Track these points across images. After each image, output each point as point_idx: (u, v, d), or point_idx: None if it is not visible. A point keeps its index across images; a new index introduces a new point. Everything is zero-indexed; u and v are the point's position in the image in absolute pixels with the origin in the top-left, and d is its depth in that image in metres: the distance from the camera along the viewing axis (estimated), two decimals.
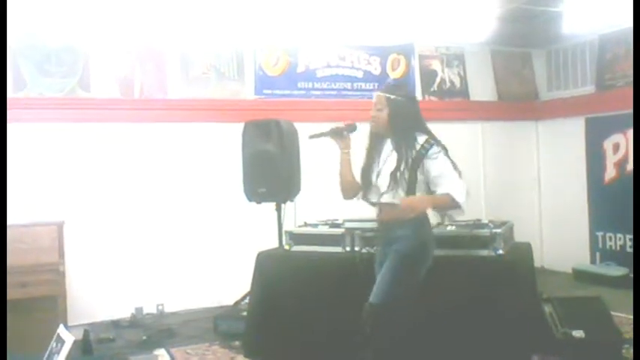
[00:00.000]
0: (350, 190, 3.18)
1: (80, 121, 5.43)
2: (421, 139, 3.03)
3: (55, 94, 5.37)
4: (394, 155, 3.01)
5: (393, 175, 2.97)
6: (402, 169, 2.96)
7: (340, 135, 3.18)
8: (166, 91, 5.81)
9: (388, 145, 3.07)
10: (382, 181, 3.02)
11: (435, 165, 2.98)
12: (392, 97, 3.03)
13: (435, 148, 3.00)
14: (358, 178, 3.18)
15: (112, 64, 5.60)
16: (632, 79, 6.29)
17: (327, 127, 6.44)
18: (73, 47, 5.45)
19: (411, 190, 2.98)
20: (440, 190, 2.98)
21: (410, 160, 2.96)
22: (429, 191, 3.03)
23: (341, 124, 3.17)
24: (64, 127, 5.38)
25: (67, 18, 5.33)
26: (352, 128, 3.21)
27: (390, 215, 3.02)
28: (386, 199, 3.01)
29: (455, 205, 3.01)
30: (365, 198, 3.13)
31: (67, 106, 5.37)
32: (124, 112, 5.58)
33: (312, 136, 3.28)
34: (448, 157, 3.04)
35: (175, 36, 5.83)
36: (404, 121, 3.03)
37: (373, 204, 3.08)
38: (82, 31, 5.47)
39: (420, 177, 2.99)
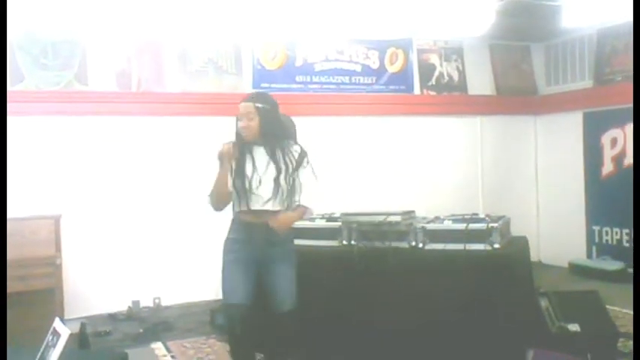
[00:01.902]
0: (225, 202, 3.17)
1: (77, 114, 5.42)
2: (296, 147, 3.17)
3: (52, 87, 5.36)
4: (272, 164, 3.09)
5: (276, 182, 3.06)
6: (283, 176, 3.07)
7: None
8: (164, 85, 5.80)
9: (262, 154, 3.11)
10: (263, 189, 3.07)
11: (304, 174, 3.14)
12: (260, 105, 3.09)
13: (307, 158, 3.17)
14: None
15: (109, 57, 5.59)
16: (630, 73, 6.30)
17: (325, 121, 6.50)
18: (71, 40, 5.44)
19: (289, 197, 3.11)
20: (301, 200, 3.13)
21: (290, 168, 3.09)
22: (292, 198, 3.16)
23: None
24: (61, 121, 5.38)
25: (64, 11, 5.31)
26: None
27: (274, 222, 3.06)
28: (269, 206, 3.08)
29: (309, 215, 3.21)
30: (245, 207, 3.10)
31: (65, 100, 5.36)
32: (122, 105, 5.57)
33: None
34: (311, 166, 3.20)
35: (173, 29, 5.81)
36: (275, 128, 3.12)
37: (254, 212, 3.08)
38: (80, 24, 5.46)
39: (296, 184, 3.12)
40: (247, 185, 3.06)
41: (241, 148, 3.11)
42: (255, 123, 3.07)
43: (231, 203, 3.18)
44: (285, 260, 3.17)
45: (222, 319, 4.71)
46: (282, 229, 3.06)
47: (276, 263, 3.14)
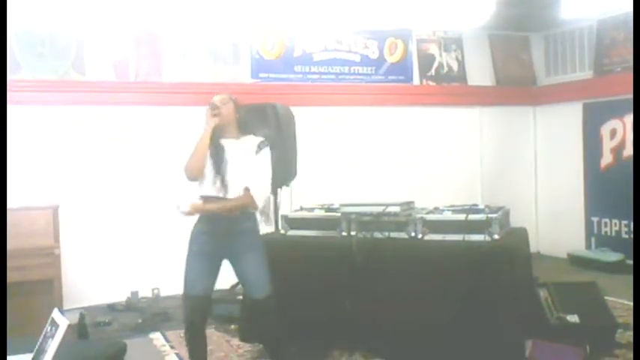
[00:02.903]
0: (199, 170, 3.17)
1: (75, 103, 5.40)
2: (258, 138, 3.24)
3: (49, 76, 5.33)
4: (240, 154, 3.16)
5: (238, 170, 3.13)
6: (245, 164, 3.14)
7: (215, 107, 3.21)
8: (162, 75, 5.77)
9: (227, 144, 3.20)
10: (230, 177, 3.13)
11: (259, 163, 3.18)
12: (233, 97, 3.29)
13: (266, 150, 3.21)
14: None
15: (107, 47, 5.56)
16: (630, 64, 6.29)
17: (324, 111, 6.49)
18: (68, 29, 5.41)
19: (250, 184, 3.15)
20: (251, 188, 3.14)
21: (251, 156, 3.17)
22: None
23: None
24: (58, 110, 5.36)
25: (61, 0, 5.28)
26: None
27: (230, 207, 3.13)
28: (230, 194, 3.13)
29: (253, 206, 3.20)
30: (208, 192, 3.17)
31: (62, 89, 5.34)
32: (119, 95, 5.55)
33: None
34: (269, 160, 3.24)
35: (171, 19, 5.78)
36: (245, 118, 3.29)
37: (216, 199, 3.13)
38: (77, 13, 5.42)
39: (255, 171, 3.17)
40: (218, 172, 3.14)
41: (213, 133, 3.19)
42: (230, 107, 3.22)
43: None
44: (254, 248, 3.21)
45: (221, 310, 4.73)
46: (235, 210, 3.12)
47: (244, 252, 3.19)
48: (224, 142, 3.20)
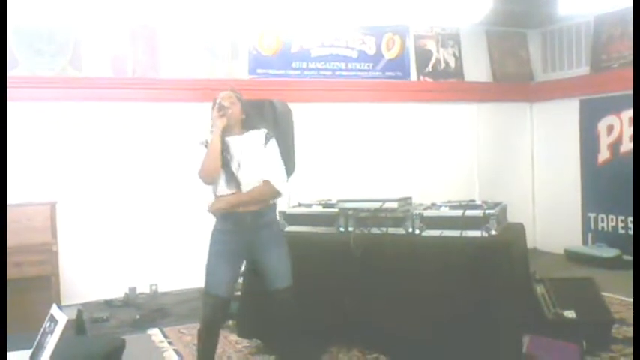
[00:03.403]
0: (216, 173, 3.19)
1: (72, 99, 5.39)
2: (262, 131, 3.26)
3: (46, 72, 5.32)
4: (248, 148, 3.19)
5: (247, 165, 3.17)
6: (254, 158, 3.18)
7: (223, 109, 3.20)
8: (159, 71, 5.76)
9: (238, 141, 3.22)
10: (242, 173, 3.16)
11: (270, 153, 3.21)
12: (240, 95, 3.30)
13: (273, 141, 3.24)
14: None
15: (104, 43, 5.54)
16: (627, 60, 6.30)
17: (321, 107, 6.48)
18: (65, 25, 5.39)
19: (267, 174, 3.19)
20: (262, 177, 3.18)
21: (260, 148, 3.20)
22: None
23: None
24: (56, 106, 5.34)
25: None
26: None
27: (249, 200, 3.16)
28: (244, 188, 3.17)
29: (276, 195, 3.24)
30: (226, 191, 3.20)
31: (59, 85, 5.32)
32: (117, 91, 5.53)
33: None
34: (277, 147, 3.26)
35: (169, 14, 5.76)
36: (252, 115, 3.33)
37: (228, 195, 3.18)
38: (74, 10, 5.40)
39: (265, 163, 3.20)
40: (228, 170, 3.16)
41: (222, 132, 3.20)
42: (236, 107, 3.24)
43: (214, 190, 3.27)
44: (275, 241, 3.27)
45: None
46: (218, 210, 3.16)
47: (266, 245, 3.23)
48: (229, 139, 3.20)
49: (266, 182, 3.17)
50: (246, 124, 3.30)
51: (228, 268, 3.23)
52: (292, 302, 3.23)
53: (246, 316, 4.05)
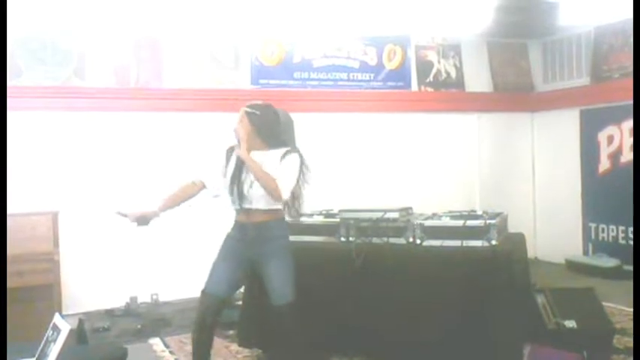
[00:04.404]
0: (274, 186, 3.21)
1: (76, 110, 5.41)
2: (285, 149, 3.26)
3: (50, 82, 5.35)
4: (265, 165, 3.18)
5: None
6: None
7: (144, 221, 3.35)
8: (162, 81, 5.80)
9: (256, 153, 3.23)
10: (254, 191, 3.18)
11: (285, 164, 3.21)
12: (249, 110, 3.27)
13: (293, 155, 3.24)
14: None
15: (107, 53, 5.58)
16: (627, 70, 6.32)
17: (323, 117, 6.49)
18: (69, 35, 5.43)
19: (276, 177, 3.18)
20: (277, 179, 3.17)
21: (275, 164, 3.19)
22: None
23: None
24: (59, 116, 5.37)
25: (63, 5, 5.30)
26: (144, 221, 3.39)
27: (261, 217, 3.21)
28: (260, 205, 3.21)
29: (275, 193, 3.16)
30: (238, 206, 3.25)
31: (63, 95, 5.35)
32: (120, 101, 5.57)
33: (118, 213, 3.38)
34: (300, 165, 3.26)
35: (172, 25, 5.80)
36: (266, 134, 3.27)
37: (246, 211, 3.22)
38: (78, 19, 5.44)
39: (282, 177, 3.18)
40: (239, 187, 3.20)
41: (232, 150, 3.28)
42: (244, 126, 3.24)
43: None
44: (280, 255, 3.27)
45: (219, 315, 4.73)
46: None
47: (270, 259, 3.24)
48: (252, 154, 3.21)
49: (274, 181, 3.16)
50: (272, 140, 3.27)
51: (227, 271, 3.28)
52: (292, 319, 3.23)
53: (247, 325, 4.06)
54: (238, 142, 3.24)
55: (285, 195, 3.19)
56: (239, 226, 3.28)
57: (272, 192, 3.15)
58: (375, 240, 3.81)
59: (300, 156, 3.27)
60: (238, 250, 3.28)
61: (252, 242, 3.23)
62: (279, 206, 3.26)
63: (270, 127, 3.28)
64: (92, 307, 5.29)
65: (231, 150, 3.34)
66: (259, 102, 3.43)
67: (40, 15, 5.30)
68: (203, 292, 3.32)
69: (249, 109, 3.28)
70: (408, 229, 3.79)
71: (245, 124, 3.25)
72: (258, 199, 3.19)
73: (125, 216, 3.31)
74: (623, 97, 5.99)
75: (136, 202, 5.55)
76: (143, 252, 5.59)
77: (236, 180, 3.22)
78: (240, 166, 3.23)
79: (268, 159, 3.22)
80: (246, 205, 3.21)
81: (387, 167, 6.66)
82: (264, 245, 3.24)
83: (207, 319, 3.26)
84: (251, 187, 3.18)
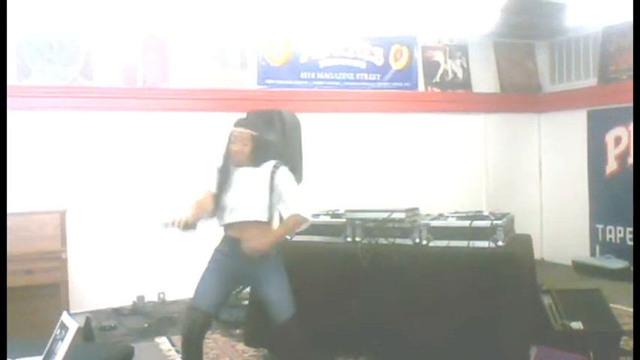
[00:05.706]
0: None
1: (83, 109, 5.44)
2: (270, 163, 3.26)
3: (58, 82, 5.37)
4: (253, 182, 3.21)
5: (255, 196, 3.21)
6: (262, 194, 3.20)
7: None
8: (169, 80, 5.81)
9: (244, 172, 3.24)
10: (245, 205, 3.20)
11: (284, 185, 3.23)
12: (255, 134, 3.26)
13: (282, 169, 3.25)
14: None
15: (114, 53, 5.60)
16: None
17: (329, 118, 6.49)
18: (76, 35, 5.45)
19: (270, 212, 3.23)
20: (290, 211, 3.24)
21: (267, 185, 3.21)
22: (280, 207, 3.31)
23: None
24: (67, 116, 5.40)
25: (70, 5, 5.32)
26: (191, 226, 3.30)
27: (248, 248, 3.14)
28: (251, 218, 3.20)
29: (305, 223, 3.30)
30: (227, 221, 3.25)
31: (70, 95, 5.38)
32: (127, 100, 5.59)
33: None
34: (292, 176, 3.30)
35: (179, 25, 5.82)
36: (264, 154, 3.28)
37: (237, 225, 3.21)
38: (86, 19, 5.47)
39: (274, 198, 3.24)
40: (228, 202, 3.20)
41: (229, 167, 3.26)
42: (248, 148, 3.23)
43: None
44: (273, 271, 3.24)
45: (226, 314, 4.75)
46: (256, 253, 3.11)
47: (264, 276, 3.22)
48: (240, 170, 3.24)
49: (295, 215, 3.22)
50: (261, 156, 3.27)
51: (215, 286, 3.23)
52: (295, 333, 3.19)
53: (253, 325, 4.06)
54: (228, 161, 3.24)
55: (309, 215, 3.26)
56: (229, 240, 3.24)
57: (302, 225, 3.27)
58: (381, 240, 3.81)
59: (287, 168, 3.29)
60: (227, 265, 3.23)
61: (242, 259, 3.16)
62: (268, 220, 3.23)
63: (265, 149, 3.28)
64: (99, 306, 5.32)
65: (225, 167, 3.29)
66: (251, 117, 3.44)
67: (48, 15, 5.32)
68: (189, 306, 3.27)
69: (254, 132, 3.24)
70: (415, 230, 3.79)
71: (249, 148, 3.22)
72: (247, 214, 3.18)
73: (172, 225, 3.29)
74: (630, 99, 5.93)
75: (142, 200, 5.61)
76: (150, 251, 5.61)
77: (225, 195, 3.21)
78: (228, 181, 3.22)
79: (257, 174, 3.22)
80: (237, 219, 3.19)
81: (393, 168, 6.65)
82: (255, 263, 3.16)
83: (193, 334, 3.21)
84: (241, 201, 3.18)
